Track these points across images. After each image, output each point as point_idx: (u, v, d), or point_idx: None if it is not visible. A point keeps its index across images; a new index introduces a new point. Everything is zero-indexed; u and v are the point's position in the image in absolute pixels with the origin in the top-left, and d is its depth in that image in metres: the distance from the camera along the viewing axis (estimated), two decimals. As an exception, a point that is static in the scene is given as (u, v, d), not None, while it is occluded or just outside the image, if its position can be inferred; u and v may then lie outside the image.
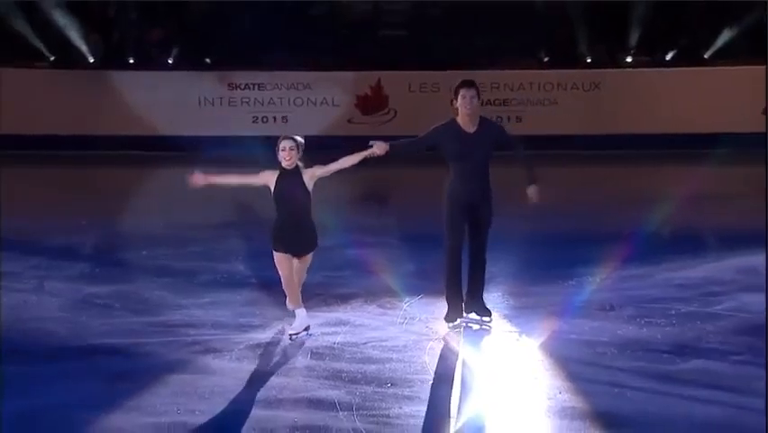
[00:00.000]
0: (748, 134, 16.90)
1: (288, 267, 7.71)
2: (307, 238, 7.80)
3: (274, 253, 7.76)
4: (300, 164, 7.77)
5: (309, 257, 7.86)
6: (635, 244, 10.67)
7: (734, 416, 6.32)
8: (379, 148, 7.97)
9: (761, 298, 8.78)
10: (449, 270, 8.09)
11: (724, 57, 18.38)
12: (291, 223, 7.73)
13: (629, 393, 6.67)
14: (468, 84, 8.09)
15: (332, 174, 7.89)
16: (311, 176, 7.78)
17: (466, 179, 7.97)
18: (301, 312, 7.76)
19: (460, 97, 8.01)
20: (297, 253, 7.76)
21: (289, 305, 7.91)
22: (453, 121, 8.06)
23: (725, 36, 18.38)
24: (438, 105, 18.20)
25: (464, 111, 7.98)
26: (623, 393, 6.67)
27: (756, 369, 7.09)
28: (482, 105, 17.98)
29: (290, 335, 7.71)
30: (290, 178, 7.73)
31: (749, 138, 16.76)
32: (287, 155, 7.71)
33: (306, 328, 7.76)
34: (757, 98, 17.94)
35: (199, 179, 7.87)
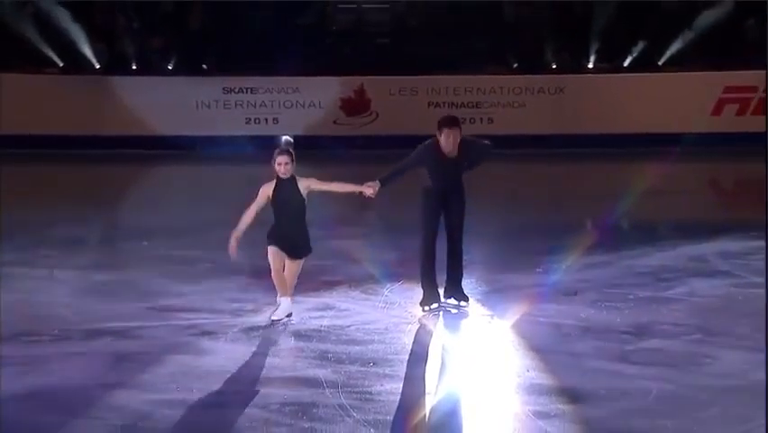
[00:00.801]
0: (698, 134, 16.98)
1: (278, 261, 7.60)
2: (302, 243, 7.70)
3: (268, 247, 7.63)
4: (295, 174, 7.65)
5: (301, 262, 7.74)
6: (597, 235, 10.68)
7: (685, 390, 6.33)
8: (370, 189, 7.77)
9: (709, 283, 8.84)
10: (424, 258, 8.04)
11: (675, 64, 18.49)
12: (287, 228, 7.63)
13: (591, 371, 6.67)
14: (451, 124, 7.77)
15: (321, 176, 7.81)
16: (306, 186, 7.68)
17: (441, 184, 7.93)
18: (285, 300, 7.67)
19: (443, 135, 7.75)
20: (291, 255, 7.65)
21: (279, 298, 7.79)
22: (436, 144, 7.82)
23: (676, 45, 18.47)
24: (416, 107, 18.35)
25: (446, 148, 7.78)
26: (586, 371, 6.66)
27: (705, 347, 7.12)
28: (456, 107, 18.32)
29: (272, 319, 7.63)
30: (287, 186, 7.63)
31: (699, 138, 16.86)
32: (283, 169, 7.62)
33: (289, 315, 7.67)
34: (705, 101, 18.04)
35: (233, 247, 7.57)
